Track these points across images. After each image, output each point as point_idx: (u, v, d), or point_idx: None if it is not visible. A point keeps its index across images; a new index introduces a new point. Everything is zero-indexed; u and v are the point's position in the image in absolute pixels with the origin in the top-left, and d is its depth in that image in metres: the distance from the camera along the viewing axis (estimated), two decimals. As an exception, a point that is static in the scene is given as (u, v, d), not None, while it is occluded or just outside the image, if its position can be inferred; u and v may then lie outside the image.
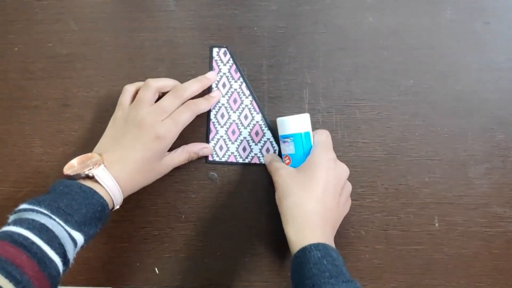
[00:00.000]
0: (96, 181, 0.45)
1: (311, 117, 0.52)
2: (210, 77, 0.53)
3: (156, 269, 0.57)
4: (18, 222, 0.39)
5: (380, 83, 0.54)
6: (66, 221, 0.41)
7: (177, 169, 0.54)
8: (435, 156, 0.54)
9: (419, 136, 0.54)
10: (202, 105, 0.52)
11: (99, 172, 0.45)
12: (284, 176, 0.48)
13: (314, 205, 0.45)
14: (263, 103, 0.55)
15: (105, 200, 0.44)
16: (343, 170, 0.49)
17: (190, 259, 0.56)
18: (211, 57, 0.55)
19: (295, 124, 0.50)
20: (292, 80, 0.55)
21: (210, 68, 0.55)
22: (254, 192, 0.55)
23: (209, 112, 0.55)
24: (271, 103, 0.55)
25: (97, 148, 0.49)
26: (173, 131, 0.48)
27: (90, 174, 0.44)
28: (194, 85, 0.51)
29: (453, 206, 0.54)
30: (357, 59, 0.54)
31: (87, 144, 0.57)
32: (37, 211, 0.40)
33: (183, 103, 0.50)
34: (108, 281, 0.57)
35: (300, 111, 0.55)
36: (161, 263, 0.57)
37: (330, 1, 0.54)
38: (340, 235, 0.52)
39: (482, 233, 0.54)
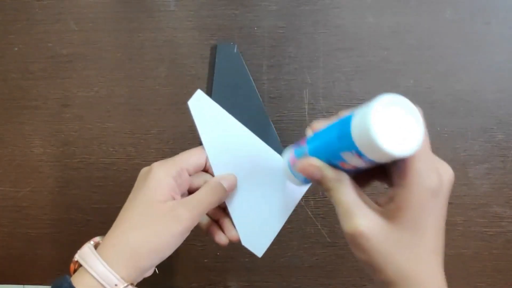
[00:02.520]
0: None
1: (311, 117, 0.52)
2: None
3: (156, 269, 0.57)
4: None
5: (380, 83, 0.54)
6: None
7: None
8: (435, 156, 0.54)
9: (419, 136, 0.54)
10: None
11: None
12: (375, 243, 0.32)
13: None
14: (263, 103, 0.55)
15: None
16: (449, 180, 0.33)
17: (190, 259, 0.56)
18: (212, 56, 0.55)
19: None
20: (292, 80, 0.55)
21: (211, 67, 0.55)
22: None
23: None
24: (271, 103, 0.55)
25: None
26: None
27: None
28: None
29: (453, 206, 0.54)
30: (357, 59, 0.54)
31: (87, 144, 0.57)
32: None
33: None
34: (108, 281, 0.57)
35: (300, 111, 0.55)
36: (161, 263, 0.57)
37: (330, 1, 0.54)
38: (341, 235, 0.52)
39: (482, 233, 0.54)
